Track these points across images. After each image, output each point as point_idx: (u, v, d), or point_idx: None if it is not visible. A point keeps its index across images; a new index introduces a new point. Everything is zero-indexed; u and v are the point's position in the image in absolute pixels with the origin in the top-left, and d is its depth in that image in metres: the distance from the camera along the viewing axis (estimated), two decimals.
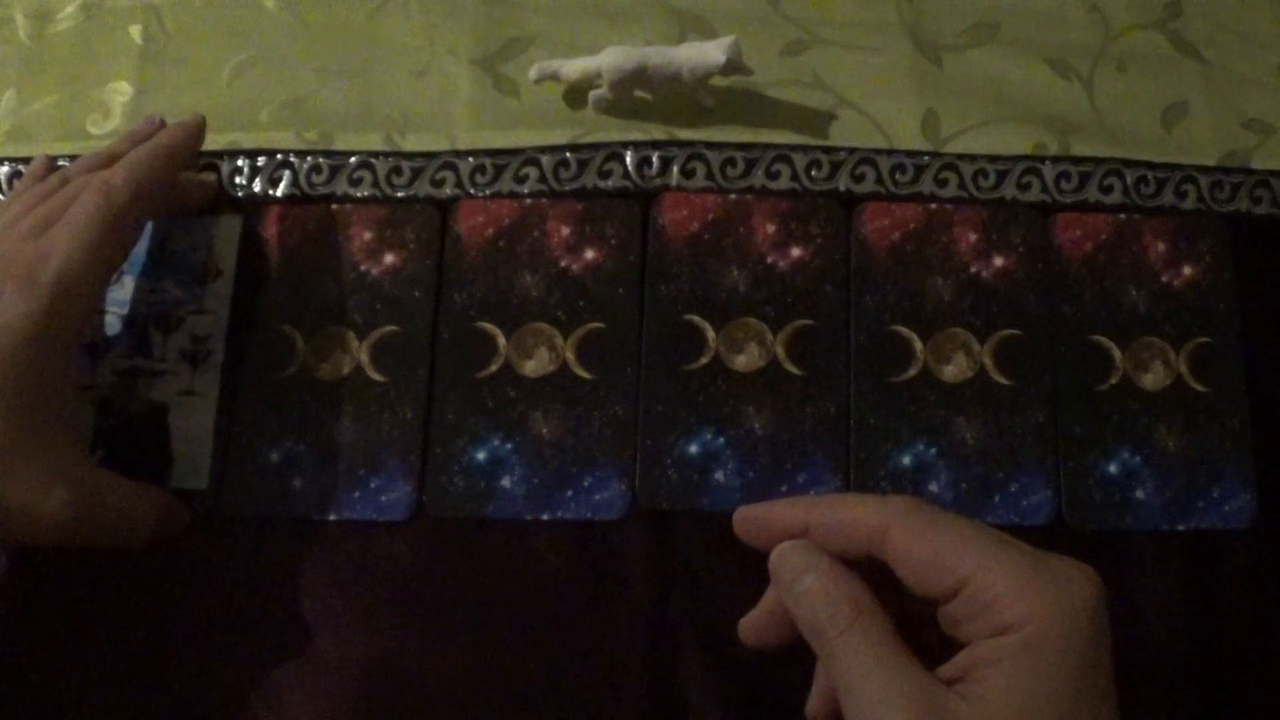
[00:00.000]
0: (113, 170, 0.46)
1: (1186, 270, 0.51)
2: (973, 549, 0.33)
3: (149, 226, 0.52)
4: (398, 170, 0.53)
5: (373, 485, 0.48)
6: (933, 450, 0.49)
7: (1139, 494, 0.48)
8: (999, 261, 0.51)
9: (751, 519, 0.39)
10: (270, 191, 0.53)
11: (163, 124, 0.50)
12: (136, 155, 0.47)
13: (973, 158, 0.53)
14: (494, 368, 0.50)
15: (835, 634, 0.34)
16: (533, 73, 0.54)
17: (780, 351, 0.50)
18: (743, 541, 0.39)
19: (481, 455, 0.49)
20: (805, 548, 0.36)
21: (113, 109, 0.56)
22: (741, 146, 0.53)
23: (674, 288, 0.51)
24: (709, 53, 0.51)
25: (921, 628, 0.35)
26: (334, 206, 0.53)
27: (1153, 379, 0.50)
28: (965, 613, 0.32)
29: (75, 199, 0.44)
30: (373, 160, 0.53)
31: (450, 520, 0.48)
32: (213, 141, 0.54)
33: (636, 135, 0.54)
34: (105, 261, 0.44)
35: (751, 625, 0.39)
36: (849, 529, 0.35)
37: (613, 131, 0.54)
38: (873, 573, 0.35)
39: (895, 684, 0.32)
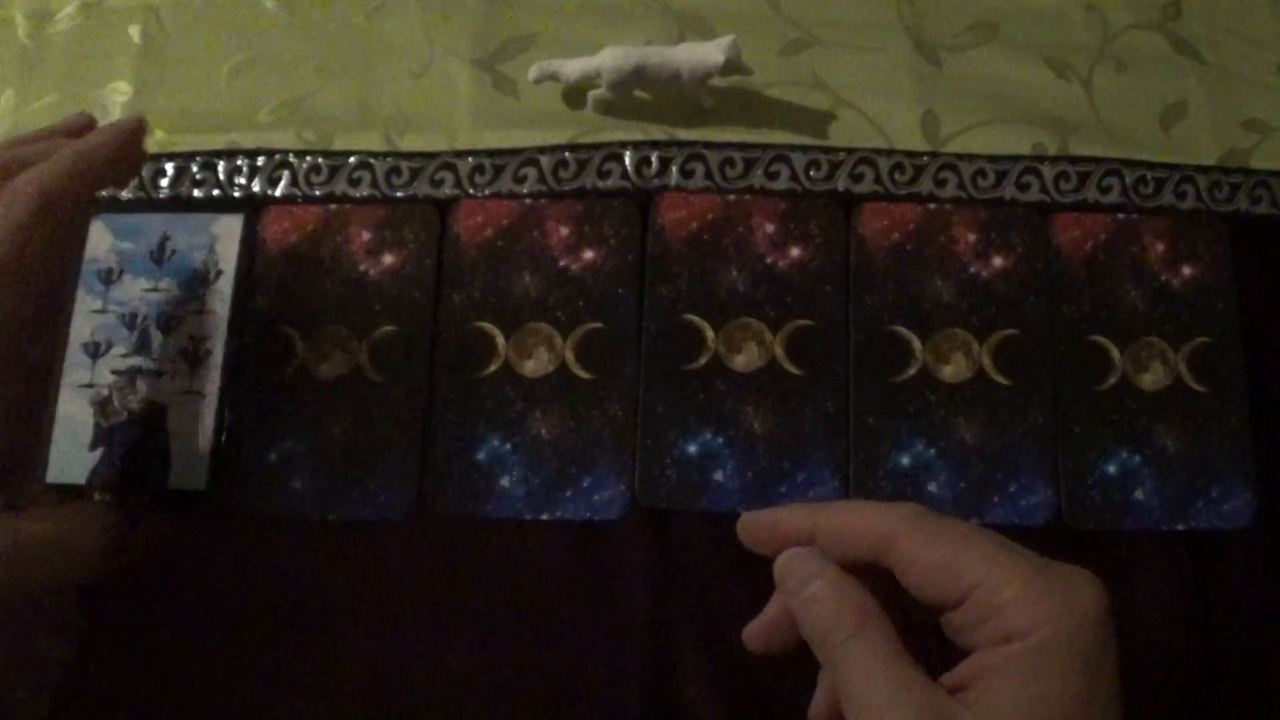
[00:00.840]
0: (22, 180, 0.41)
1: (1186, 270, 0.51)
2: (978, 556, 0.33)
3: (150, 226, 0.52)
4: (397, 170, 0.53)
5: (372, 485, 0.48)
6: (932, 450, 0.49)
7: (1138, 494, 0.48)
8: (998, 261, 0.51)
9: (755, 525, 0.38)
10: (269, 191, 0.53)
11: (93, 123, 0.46)
12: (54, 166, 0.42)
13: (972, 158, 0.53)
14: (493, 368, 0.50)
15: (839, 641, 0.34)
16: (532, 73, 0.54)
17: (779, 351, 0.50)
18: (746, 547, 0.39)
19: (481, 455, 0.49)
20: (811, 554, 0.36)
21: (112, 109, 0.56)
22: (740, 146, 0.53)
23: (673, 288, 0.51)
24: (708, 53, 0.51)
25: (925, 635, 0.35)
26: (333, 206, 0.53)
27: (1152, 379, 0.50)
28: (970, 620, 0.32)
29: None
30: (372, 160, 0.53)
31: (449, 520, 0.48)
32: (212, 141, 0.54)
33: (636, 135, 0.54)
34: (14, 277, 0.41)
35: (756, 632, 0.39)
36: (853, 535, 0.35)
37: (612, 131, 0.54)
38: (876, 579, 0.35)
39: (899, 693, 0.32)
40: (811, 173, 0.53)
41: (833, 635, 0.34)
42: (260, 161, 0.54)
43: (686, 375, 0.50)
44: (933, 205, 0.52)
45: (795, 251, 0.51)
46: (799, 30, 0.56)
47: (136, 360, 0.50)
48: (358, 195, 0.53)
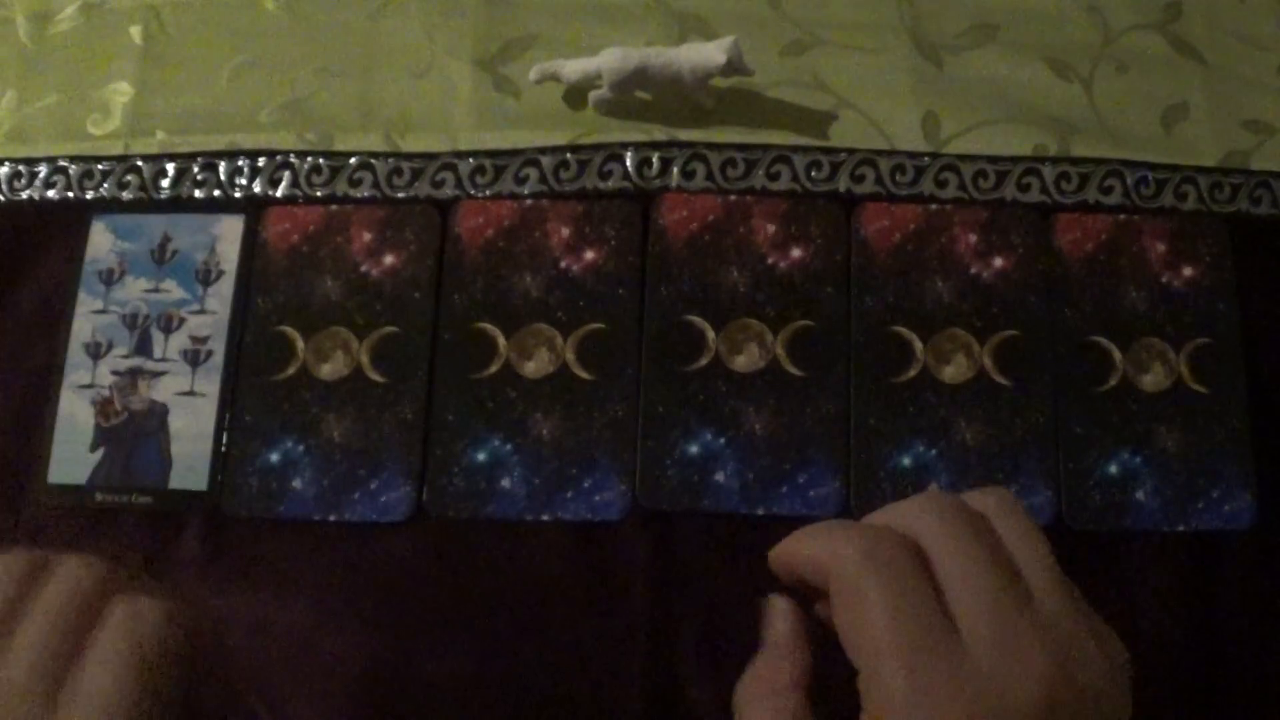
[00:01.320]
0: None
1: (1186, 271, 0.51)
2: (872, 640, 0.31)
3: (151, 227, 0.52)
4: (398, 171, 0.53)
5: (373, 486, 0.48)
6: (932, 451, 0.49)
7: (1139, 495, 0.48)
8: (999, 262, 0.51)
9: (771, 558, 0.37)
10: (270, 192, 0.53)
11: None
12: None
13: (973, 158, 0.53)
14: (494, 368, 0.50)
15: (749, 699, 0.34)
16: (533, 73, 0.54)
17: (780, 352, 0.50)
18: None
19: (481, 456, 0.49)
20: (775, 604, 0.35)
21: (113, 109, 0.56)
22: (742, 147, 0.53)
23: (674, 288, 0.51)
24: (709, 54, 0.51)
25: None
26: (334, 207, 0.53)
27: (1153, 380, 0.50)
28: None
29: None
30: (373, 161, 0.53)
31: (450, 521, 0.48)
32: (213, 142, 0.54)
33: (637, 136, 0.54)
34: None
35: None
36: (813, 570, 0.34)
37: (613, 132, 0.54)
38: None
39: None
40: (812, 173, 0.53)
41: (745, 690, 0.34)
42: (261, 162, 0.54)
43: (687, 376, 0.50)
44: (934, 206, 0.52)
45: (796, 252, 0.51)
46: (800, 31, 0.56)
47: (137, 361, 0.50)
48: (359, 196, 0.53)
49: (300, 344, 0.50)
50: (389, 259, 0.52)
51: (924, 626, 0.30)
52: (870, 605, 0.31)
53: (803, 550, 0.34)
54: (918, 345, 0.50)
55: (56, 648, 0.32)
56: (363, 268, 0.51)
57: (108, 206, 0.53)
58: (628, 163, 0.53)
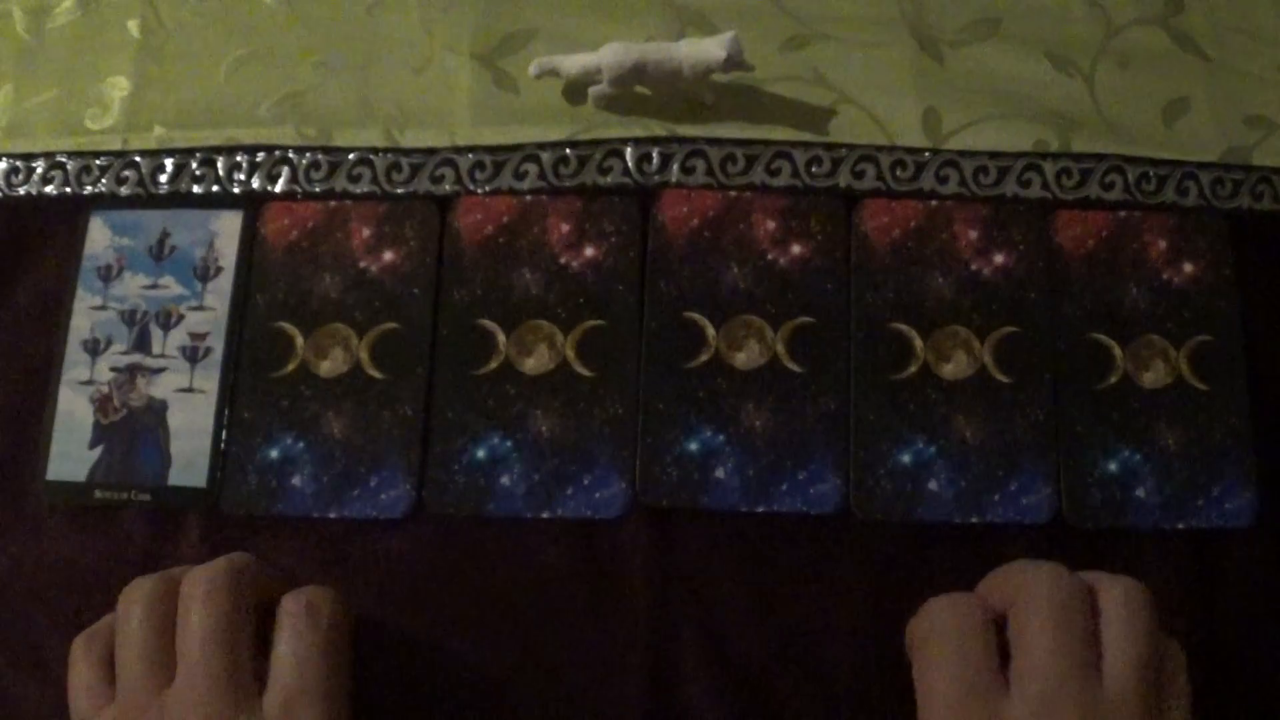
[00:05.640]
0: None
1: (1187, 267, 0.51)
2: (925, 695, 0.39)
3: (150, 223, 0.52)
4: (397, 166, 0.53)
5: (372, 483, 0.48)
6: (932, 448, 0.48)
7: (1139, 492, 0.48)
8: (999, 259, 0.51)
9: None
10: (269, 188, 0.53)
11: None
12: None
13: (973, 154, 0.53)
14: (494, 365, 0.50)
15: None
16: (533, 68, 0.53)
17: (780, 349, 0.50)
18: None
19: (481, 453, 0.49)
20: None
21: (111, 104, 0.55)
22: (742, 143, 0.53)
23: (674, 285, 0.51)
24: (709, 49, 0.51)
25: None
26: (333, 203, 0.53)
27: (1153, 377, 0.50)
28: None
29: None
30: (372, 156, 0.53)
31: (450, 518, 0.48)
32: (211, 137, 0.54)
33: (636, 131, 0.53)
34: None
35: None
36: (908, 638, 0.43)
37: (613, 128, 0.54)
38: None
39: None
40: (813, 169, 0.53)
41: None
42: (260, 157, 0.53)
43: (687, 372, 0.49)
44: (934, 202, 0.52)
45: (796, 248, 0.51)
46: (800, 26, 0.56)
47: (136, 357, 0.50)
48: (358, 191, 0.53)
49: (299, 340, 0.50)
50: (388, 255, 0.51)
51: (971, 684, 0.37)
52: (933, 665, 0.38)
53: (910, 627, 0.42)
54: (918, 342, 0.50)
55: (231, 660, 0.38)
56: (362, 264, 0.51)
57: (106, 202, 0.53)
58: (627, 158, 0.53)
